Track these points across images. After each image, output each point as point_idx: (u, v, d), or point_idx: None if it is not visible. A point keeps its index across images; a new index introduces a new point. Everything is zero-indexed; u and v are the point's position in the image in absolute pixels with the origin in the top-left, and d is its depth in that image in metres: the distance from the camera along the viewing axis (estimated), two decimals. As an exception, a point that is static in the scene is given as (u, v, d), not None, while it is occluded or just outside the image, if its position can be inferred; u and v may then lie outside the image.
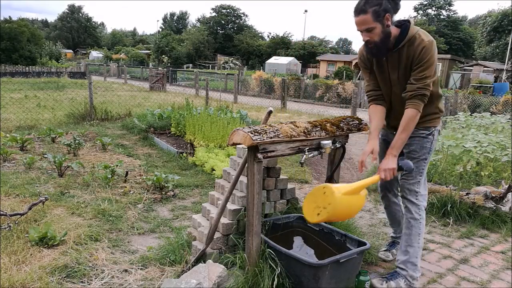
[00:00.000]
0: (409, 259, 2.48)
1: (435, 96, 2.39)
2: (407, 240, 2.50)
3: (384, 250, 2.99)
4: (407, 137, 2.34)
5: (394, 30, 2.25)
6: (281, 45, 55.57)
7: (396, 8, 2.21)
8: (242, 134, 2.24)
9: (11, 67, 25.66)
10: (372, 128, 2.51)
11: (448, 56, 32.37)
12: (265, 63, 45.99)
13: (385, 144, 2.61)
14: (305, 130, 2.46)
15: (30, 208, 3.21)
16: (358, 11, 2.19)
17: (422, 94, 2.23)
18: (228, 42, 60.14)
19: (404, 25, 2.28)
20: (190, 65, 47.11)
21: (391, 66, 2.36)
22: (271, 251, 2.34)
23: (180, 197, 4.13)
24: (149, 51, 55.00)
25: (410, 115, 2.27)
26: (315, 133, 2.50)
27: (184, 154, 5.64)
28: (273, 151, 2.35)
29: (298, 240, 2.72)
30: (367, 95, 2.59)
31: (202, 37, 54.94)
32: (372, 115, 2.53)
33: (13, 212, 3.15)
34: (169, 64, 34.52)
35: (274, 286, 2.24)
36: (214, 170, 4.88)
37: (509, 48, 25.69)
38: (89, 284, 2.43)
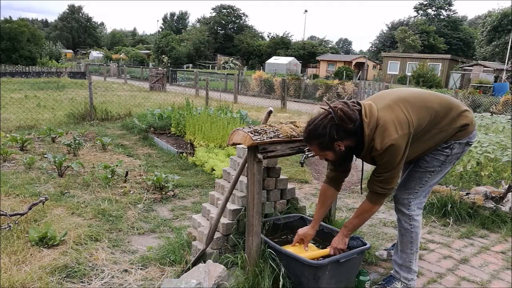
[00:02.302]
0: (403, 264, 2.48)
1: (450, 120, 2.24)
2: (401, 246, 2.50)
3: (384, 249, 3.00)
4: (361, 224, 2.38)
5: (350, 142, 2.10)
6: (281, 45, 55.56)
7: (348, 132, 2.05)
8: (242, 134, 2.24)
9: (11, 67, 25.64)
10: (315, 215, 2.49)
11: (448, 56, 32.40)
12: (265, 63, 45.98)
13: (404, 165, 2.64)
14: (305, 130, 2.46)
15: (30, 208, 3.21)
16: (304, 140, 2.16)
17: (381, 194, 2.20)
18: (228, 42, 60.12)
19: (357, 134, 2.09)
20: (190, 65, 47.08)
21: (365, 159, 2.26)
22: (271, 251, 2.34)
23: (180, 197, 4.13)
24: (149, 51, 54.99)
25: (366, 208, 2.28)
26: (315, 133, 2.50)
27: (184, 154, 5.64)
28: (273, 151, 2.35)
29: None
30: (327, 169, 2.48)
31: (202, 37, 54.94)
32: (321, 200, 2.49)
33: (13, 212, 3.15)
34: (169, 64, 34.45)
35: (274, 286, 2.25)
36: (214, 170, 4.88)
37: (509, 48, 25.71)
38: (89, 284, 2.43)
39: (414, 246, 2.46)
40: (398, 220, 2.50)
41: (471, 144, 2.38)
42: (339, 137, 2.04)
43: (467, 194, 3.87)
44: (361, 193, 3.95)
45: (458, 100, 2.39)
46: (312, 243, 2.57)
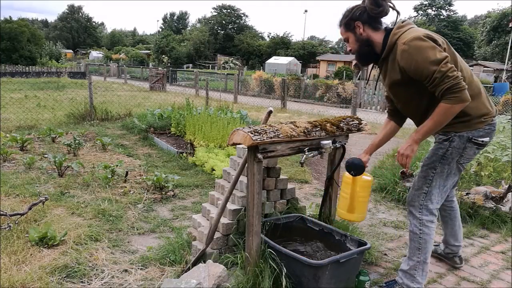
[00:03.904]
0: (408, 270, 2.39)
1: None
2: (408, 252, 2.42)
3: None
4: (434, 127, 2.09)
5: (377, 37, 2.21)
6: (281, 45, 55.60)
7: (372, 17, 2.19)
8: (242, 134, 2.24)
9: (11, 67, 25.69)
10: (371, 141, 2.57)
11: (448, 56, 32.34)
12: (265, 63, 46.01)
13: None
14: (305, 130, 2.46)
15: (30, 208, 3.21)
16: (338, 25, 2.35)
17: (447, 89, 1.94)
18: (229, 42, 60.19)
19: (387, 32, 2.20)
20: (190, 65, 47.16)
21: (383, 74, 2.32)
22: (272, 251, 2.34)
23: (180, 197, 4.13)
24: (149, 51, 55.05)
25: (440, 109, 2.02)
26: (315, 133, 2.50)
27: (184, 154, 5.64)
28: (273, 151, 2.35)
29: (298, 240, 2.72)
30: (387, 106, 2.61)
31: (203, 37, 55.01)
32: (380, 129, 2.60)
33: (13, 212, 3.15)
34: (169, 64, 34.51)
35: (274, 286, 2.24)
36: (214, 170, 4.88)
37: (509, 48, 25.70)
38: (89, 284, 2.43)
39: (422, 255, 2.33)
40: (409, 222, 2.42)
41: (477, 143, 2.20)
42: (361, 18, 2.19)
43: (467, 194, 3.86)
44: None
45: (485, 94, 2.23)
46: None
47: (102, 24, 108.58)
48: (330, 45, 68.69)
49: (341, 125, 2.67)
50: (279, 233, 2.67)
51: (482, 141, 2.22)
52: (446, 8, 54.92)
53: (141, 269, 2.62)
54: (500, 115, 7.49)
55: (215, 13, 63.43)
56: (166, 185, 4.17)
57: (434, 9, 55.89)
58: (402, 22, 2.18)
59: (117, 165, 4.56)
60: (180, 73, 28.51)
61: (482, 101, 2.19)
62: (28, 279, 2.38)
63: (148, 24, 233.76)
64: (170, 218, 3.55)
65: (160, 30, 72.77)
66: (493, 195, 3.81)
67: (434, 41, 2.01)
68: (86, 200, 3.80)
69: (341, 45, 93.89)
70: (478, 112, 2.16)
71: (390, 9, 2.20)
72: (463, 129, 2.18)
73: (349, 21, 2.24)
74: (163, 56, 41.15)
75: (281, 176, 2.86)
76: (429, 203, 2.32)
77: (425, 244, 2.33)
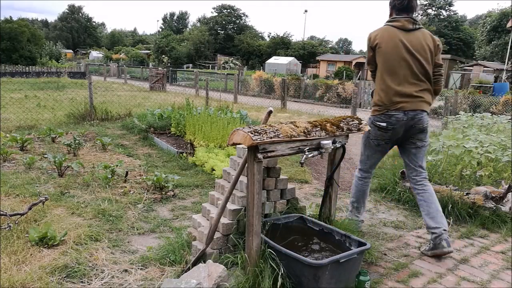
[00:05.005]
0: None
1: (379, 85, 2.93)
2: None
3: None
4: None
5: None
6: (281, 45, 55.61)
7: (396, 6, 2.89)
8: (242, 134, 2.24)
9: (11, 67, 25.66)
10: None
11: (448, 56, 32.37)
12: (265, 63, 45.99)
13: None
14: (305, 130, 2.46)
15: (30, 208, 3.21)
16: None
17: None
18: (229, 42, 60.16)
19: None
20: (190, 65, 47.15)
21: None
22: (272, 251, 2.34)
23: (180, 197, 4.13)
24: (149, 51, 55.04)
25: None
26: (315, 133, 2.50)
27: (184, 154, 5.64)
28: (273, 151, 2.35)
29: (298, 240, 2.72)
30: None
31: (203, 37, 55.02)
32: None
33: (13, 212, 3.15)
34: (169, 64, 34.52)
35: (274, 286, 2.24)
36: (214, 170, 4.88)
37: (509, 48, 25.68)
38: (89, 284, 2.43)
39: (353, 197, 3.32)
40: None
41: (376, 126, 2.93)
42: (391, 4, 2.93)
43: (467, 194, 3.86)
44: None
45: (392, 92, 2.84)
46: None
47: (102, 24, 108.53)
48: (330, 45, 68.64)
49: (341, 125, 2.67)
50: (279, 233, 2.68)
51: (379, 124, 2.92)
52: (446, 8, 54.82)
53: (141, 269, 2.62)
54: (500, 115, 7.48)
55: (215, 13, 63.42)
56: (166, 185, 4.17)
57: (434, 9, 55.80)
58: (393, 18, 2.89)
59: (117, 165, 4.56)
60: (180, 73, 28.51)
61: (383, 95, 2.87)
62: (28, 279, 2.38)
63: (148, 24, 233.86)
64: (170, 218, 3.55)
65: (160, 30, 72.84)
66: (493, 195, 3.81)
67: (369, 40, 2.90)
68: (86, 200, 3.80)
69: (341, 45, 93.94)
70: (377, 102, 2.91)
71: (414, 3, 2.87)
72: (372, 113, 2.98)
73: (389, 5, 2.96)
74: (163, 56, 41.14)
75: (281, 176, 2.86)
76: (358, 164, 3.25)
77: (353, 190, 3.29)
